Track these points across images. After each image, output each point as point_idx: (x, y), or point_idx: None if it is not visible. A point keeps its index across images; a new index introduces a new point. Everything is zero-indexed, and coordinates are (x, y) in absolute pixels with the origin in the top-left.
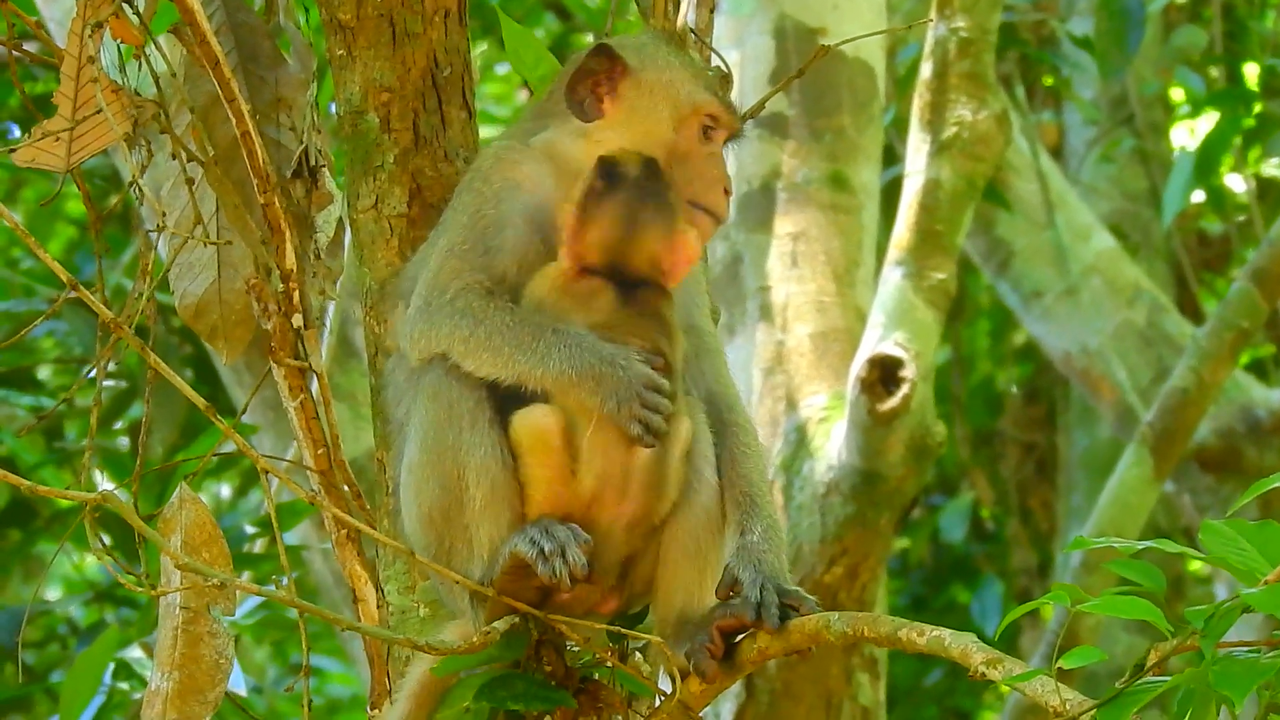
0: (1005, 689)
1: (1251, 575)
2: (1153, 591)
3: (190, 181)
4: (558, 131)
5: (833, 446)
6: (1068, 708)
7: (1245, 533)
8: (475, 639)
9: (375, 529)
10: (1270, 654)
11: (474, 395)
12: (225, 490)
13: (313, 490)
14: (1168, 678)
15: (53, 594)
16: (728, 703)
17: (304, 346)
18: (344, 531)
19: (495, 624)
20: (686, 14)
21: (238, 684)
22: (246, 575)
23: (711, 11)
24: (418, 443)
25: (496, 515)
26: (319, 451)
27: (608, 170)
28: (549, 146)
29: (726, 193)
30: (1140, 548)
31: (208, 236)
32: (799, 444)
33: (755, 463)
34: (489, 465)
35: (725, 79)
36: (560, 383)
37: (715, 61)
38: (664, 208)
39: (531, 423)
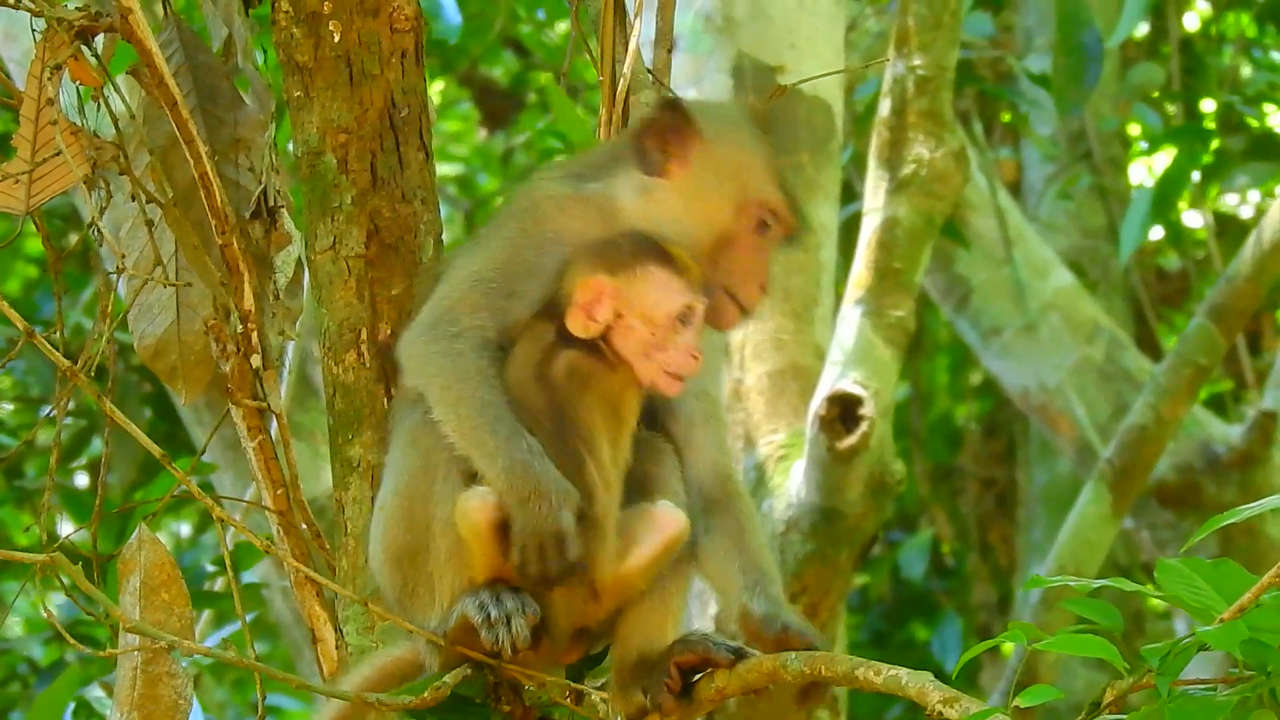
0: None
1: (1207, 613)
2: (1110, 630)
3: (149, 223)
4: (617, 183)
5: (792, 484)
6: None
7: (1201, 571)
8: (427, 694)
9: (334, 570)
10: (1227, 691)
11: (450, 448)
12: (185, 528)
13: (271, 533)
14: (1125, 716)
15: (14, 630)
16: None
17: (263, 387)
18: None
19: (446, 678)
20: (632, 51)
21: None
22: (206, 614)
23: (669, 51)
24: (393, 482)
25: (457, 570)
26: (278, 492)
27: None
28: (605, 200)
29: (762, 290)
30: (1096, 586)
31: (166, 277)
32: (758, 482)
33: (759, 534)
34: (454, 522)
35: None
36: (495, 485)
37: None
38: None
39: (467, 509)
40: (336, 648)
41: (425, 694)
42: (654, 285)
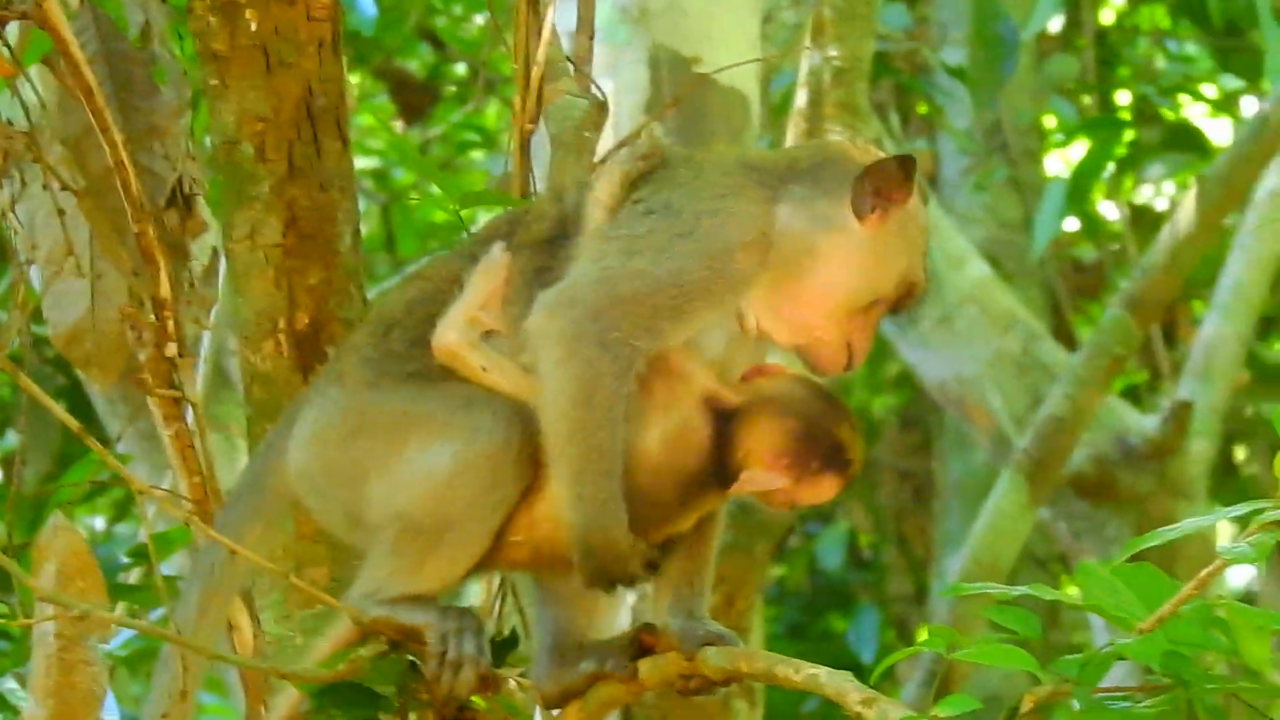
0: None
1: (1127, 621)
2: (1027, 638)
3: (61, 212)
4: (805, 206)
5: None
6: None
7: (1121, 575)
8: (342, 667)
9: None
10: (1145, 702)
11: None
12: (99, 522)
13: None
14: None
15: None
16: None
17: (178, 375)
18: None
19: (361, 651)
20: (545, 38)
21: (112, 715)
22: (121, 606)
23: (590, 39)
24: (444, 443)
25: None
26: (194, 480)
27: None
28: (789, 219)
29: (848, 366)
30: (1016, 594)
31: (79, 267)
32: None
33: (713, 542)
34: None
35: (601, 107)
36: (569, 518)
37: (592, 90)
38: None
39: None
40: (254, 636)
41: (340, 666)
42: (821, 489)
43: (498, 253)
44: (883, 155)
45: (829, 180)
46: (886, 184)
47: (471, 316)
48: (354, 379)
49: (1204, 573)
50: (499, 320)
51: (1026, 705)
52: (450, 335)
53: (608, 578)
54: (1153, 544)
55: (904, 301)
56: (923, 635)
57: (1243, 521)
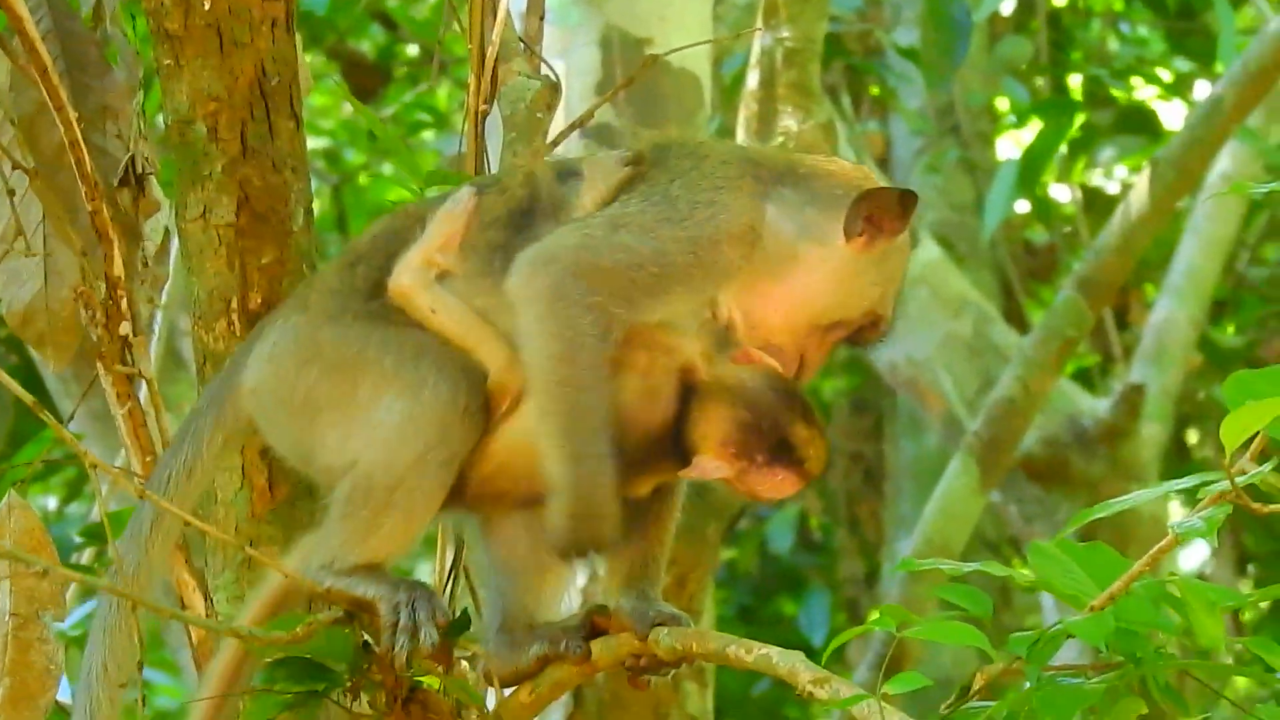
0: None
1: (1078, 599)
2: (978, 616)
3: (11, 192)
4: (797, 211)
5: None
6: None
7: (1073, 554)
8: (300, 629)
9: (204, 537)
10: (1095, 679)
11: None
12: (51, 502)
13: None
14: (993, 702)
15: None
16: (556, 713)
17: (131, 354)
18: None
19: (320, 616)
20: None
21: (65, 693)
22: (74, 588)
23: (541, 19)
24: (393, 398)
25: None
26: (147, 459)
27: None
28: (776, 223)
29: (796, 380)
30: (967, 570)
31: (29, 246)
32: None
33: (671, 526)
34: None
35: (554, 89)
36: (554, 477)
37: (545, 71)
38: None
39: None
40: (206, 615)
41: (298, 629)
42: (773, 485)
43: (465, 195)
44: (883, 183)
45: (825, 193)
46: (883, 212)
47: (429, 258)
48: (316, 309)
49: (1155, 548)
50: (456, 263)
51: (978, 683)
52: (404, 278)
53: (583, 540)
54: (1100, 516)
55: (865, 333)
56: (874, 616)
57: (1192, 496)
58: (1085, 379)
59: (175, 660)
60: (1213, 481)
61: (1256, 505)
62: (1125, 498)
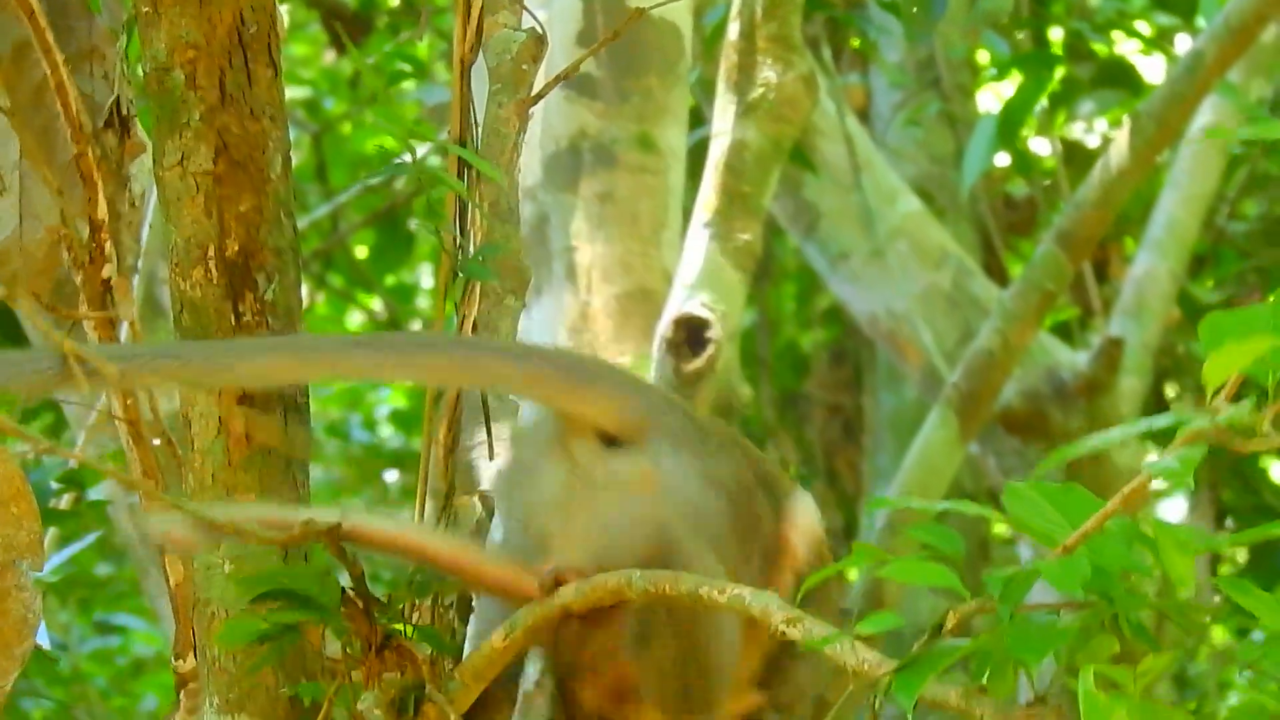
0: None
1: (1052, 539)
2: (952, 557)
3: None
4: None
5: None
6: (866, 668)
7: (1048, 495)
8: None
9: (183, 481)
10: (1068, 618)
11: None
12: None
13: (119, 449)
14: (966, 639)
15: None
16: (532, 665)
17: (113, 297)
18: (150, 486)
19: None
20: None
21: (42, 640)
22: (53, 531)
23: None
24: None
25: None
26: (128, 401)
27: None
28: None
29: None
30: (941, 509)
31: (3, 184)
32: None
33: None
34: None
35: (540, 40)
36: None
37: (528, 21)
38: None
39: None
40: (183, 565)
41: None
42: None
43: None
44: None
45: None
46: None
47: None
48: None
49: (1128, 486)
50: None
51: (950, 621)
52: None
53: None
54: (1078, 460)
55: None
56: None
57: (1169, 441)
58: (1064, 332)
59: (154, 608)
60: (1190, 420)
61: (1238, 442)
62: (1100, 434)
